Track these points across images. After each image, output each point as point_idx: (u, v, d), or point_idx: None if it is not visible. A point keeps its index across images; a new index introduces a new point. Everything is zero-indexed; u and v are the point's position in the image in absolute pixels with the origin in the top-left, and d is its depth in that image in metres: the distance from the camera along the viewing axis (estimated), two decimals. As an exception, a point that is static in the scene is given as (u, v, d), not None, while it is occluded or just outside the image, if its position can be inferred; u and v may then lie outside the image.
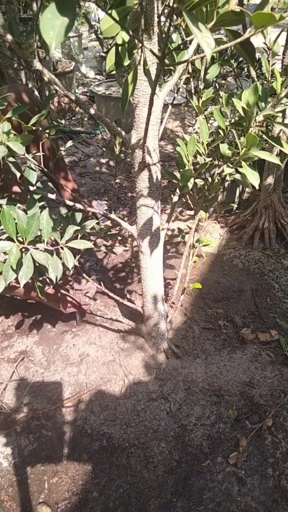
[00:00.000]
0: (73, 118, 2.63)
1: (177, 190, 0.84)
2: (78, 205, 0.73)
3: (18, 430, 0.83)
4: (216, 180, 0.72)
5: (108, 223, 1.07)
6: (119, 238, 0.85)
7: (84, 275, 0.92)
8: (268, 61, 0.76)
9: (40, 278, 0.76)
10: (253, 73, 1.29)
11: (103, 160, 2.11)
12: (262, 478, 0.76)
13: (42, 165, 0.68)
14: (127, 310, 1.11)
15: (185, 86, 0.85)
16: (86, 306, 1.07)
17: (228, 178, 0.67)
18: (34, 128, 0.61)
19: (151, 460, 0.78)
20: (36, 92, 0.91)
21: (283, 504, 0.73)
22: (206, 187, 0.76)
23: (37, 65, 0.47)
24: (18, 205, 0.64)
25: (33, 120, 0.60)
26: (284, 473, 0.77)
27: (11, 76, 1.74)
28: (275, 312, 1.14)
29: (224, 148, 0.63)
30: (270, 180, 1.33)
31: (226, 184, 1.49)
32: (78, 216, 0.71)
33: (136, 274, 1.28)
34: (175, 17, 0.65)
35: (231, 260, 1.36)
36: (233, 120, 0.66)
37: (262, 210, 1.40)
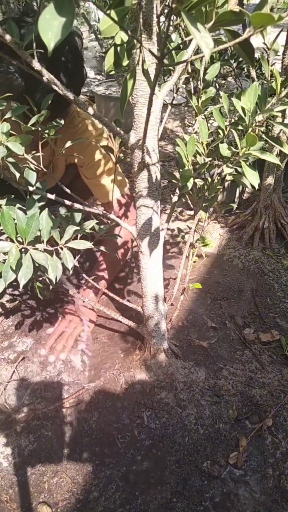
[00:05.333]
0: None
1: (177, 190, 0.84)
2: (77, 205, 0.73)
3: (18, 430, 0.83)
4: (216, 180, 0.72)
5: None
6: (119, 238, 0.85)
7: (83, 275, 0.92)
8: (268, 61, 0.76)
9: (40, 279, 0.76)
10: (253, 73, 1.29)
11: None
12: (262, 478, 0.76)
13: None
14: (126, 310, 1.11)
15: (184, 86, 0.85)
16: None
17: (228, 178, 0.68)
18: (33, 128, 0.61)
19: (151, 460, 0.78)
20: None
21: (283, 504, 0.73)
22: (205, 187, 0.77)
23: (36, 65, 0.47)
24: (18, 205, 0.64)
25: (32, 120, 0.60)
26: (284, 473, 0.77)
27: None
28: (275, 312, 1.13)
29: (223, 148, 0.63)
30: (270, 180, 1.33)
31: (226, 184, 1.49)
32: (78, 216, 0.71)
33: (136, 274, 1.28)
34: (174, 17, 0.65)
35: (231, 260, 1.36)
36: (233, 120, 0.66)
37: (262, 210, 1.40)
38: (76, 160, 1.08)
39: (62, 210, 0.74)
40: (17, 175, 0.63)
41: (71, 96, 0.50)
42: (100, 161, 1.05)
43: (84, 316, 1.05)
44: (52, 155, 1.02)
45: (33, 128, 0.61)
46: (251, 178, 0.59)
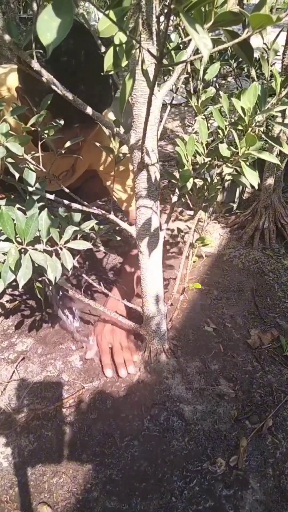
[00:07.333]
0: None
1: (177, 190, 0.84)
2: (77, 206, 0.73)
3: (18, 430, 0.83)
4: (216, 180, 0.72)
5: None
6: (118, 238, 0.85)
7: (83, 275, 0.92)
8: (268, 61, 0.76)
9: (39, 279, 0.76)
10: (253, 73, 1.29)
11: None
12: (262, 478, 0.76)
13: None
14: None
15: (184, 86, 0.85)
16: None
17: (227, 178, 0.68)
18: (32, 128, 0.61)
19: (152, 460, 0.78)
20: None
21: (283, 504, 0.73)
22: (205, 187, 0.76)
23: (36, 65, 0.47)
24: (17, 205, 0.64)
25: (32, 121, 0.60)
26: (284, 473, 0.77)
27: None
28: (275, 312, 1.13)
29: (223, 148, 0.63)
30: (270, 180, 1.33)
31: (226, 184, 1.49)
32: (77, 217, 0.71)
33: (136, 274, 1.27)
34: (174, 16, 0.65)
35: (231, 260, 1.36)
36: (232, 120, 0.66)
37: (262, 210, 1.40)
38: (97, 167, 1.07)
39: (62, 211, 0.74)
40: (17, 175, 0.63)
41: (70, 96, 0.50)
42: (125, 171, 1.05)
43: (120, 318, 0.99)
44: (76, 159, 1.03)
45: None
46: (251, 178, 0.59)
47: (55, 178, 0.71)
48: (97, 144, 0.97)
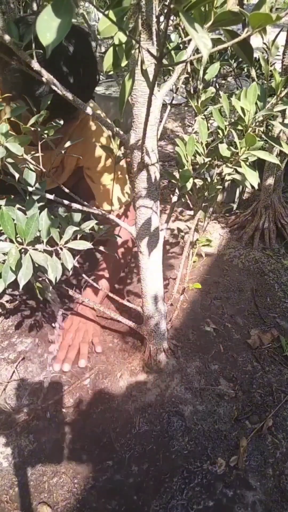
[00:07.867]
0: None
1: (177, 190, 0.84)
2: (77, 206, 0.73)
3: (18, 430, 0.83)
4: (215, 180, 0.72)
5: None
6: (118, 238, 0.85)
7: (84, 275, 0.92)
8: (268, 61, 0.76)
9: (40, 279, 0.77)
10: (253, 73, 1.29)
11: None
12: (262, 478, 0.76)
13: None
14: (126, 310, 1.11)
15: (184, 86, 0.85)
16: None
17: (227, 178, 0.68)
18: (33, 128, 0.61)
19: (152, 460, 0.78)
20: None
21: (283, 504, 0.73)
22: (205, 187, 0.76)
23: (36, 65, 0.47)
24: (17, 205, 0.64)
25: (32, 121, 0.60)
26: (284, 473, 0.77)
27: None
28: (275, 312, 1.13)
29: (223, 148, 0.63)
30: (270, 180, 1.33)
31: (226, 184, 1.49)
32: (77, 217, 0.71)
33: (136, 274, 1.28)
34: (173, 17, 0.65)
35: (231, 260, 1.35)
36: (232, 120, 0.66)
37: (262, 210, 1.40)
38: (83, 163, 1.08)
39: (62, 211, 0.74)
40: (17, 175, 0.63)
41: (70, 96, 0.50)
42: (108, 169, 1.05)
43: (89, 318, 1.04)
44: (64, 155, 1.03)
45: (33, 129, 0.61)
46: (251, 178, 0.59)
47: (50, 175, 0.71)
48: (98, 145, 0.96)
